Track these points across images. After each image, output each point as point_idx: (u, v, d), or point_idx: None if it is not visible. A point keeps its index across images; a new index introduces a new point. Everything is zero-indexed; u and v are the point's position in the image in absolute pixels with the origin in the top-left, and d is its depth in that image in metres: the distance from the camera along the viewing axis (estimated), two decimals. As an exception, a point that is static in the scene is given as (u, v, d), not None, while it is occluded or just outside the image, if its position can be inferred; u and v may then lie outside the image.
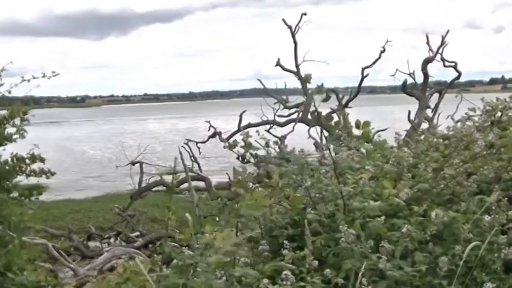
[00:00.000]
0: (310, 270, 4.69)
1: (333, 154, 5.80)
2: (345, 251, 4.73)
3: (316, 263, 4.72)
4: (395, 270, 4.58)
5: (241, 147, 6.10)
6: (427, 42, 19.90)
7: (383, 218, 4.96)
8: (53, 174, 6.99)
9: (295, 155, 5.75)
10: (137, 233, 21.35)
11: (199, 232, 4.41)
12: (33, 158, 6.76)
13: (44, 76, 7.21)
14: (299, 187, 5.64)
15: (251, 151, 6.11)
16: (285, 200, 5.58)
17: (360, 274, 4.08)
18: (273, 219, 5.45)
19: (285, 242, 5.03)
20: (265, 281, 4.43)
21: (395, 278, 4.58)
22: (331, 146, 6.27)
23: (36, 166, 6.83)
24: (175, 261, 4.50)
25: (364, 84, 21.45)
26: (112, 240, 22.40)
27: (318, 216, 5.31)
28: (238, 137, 6.28)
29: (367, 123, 6.11)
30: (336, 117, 6.23)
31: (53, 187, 33.65)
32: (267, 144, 6.21)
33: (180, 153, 4.88)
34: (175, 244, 7.50)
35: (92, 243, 21.85)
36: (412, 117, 17.76)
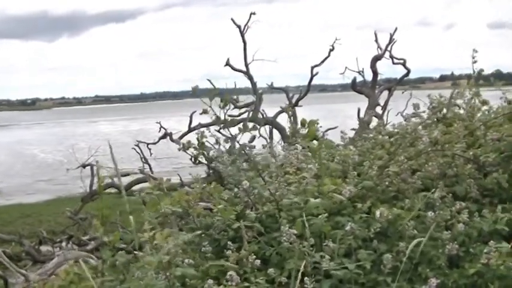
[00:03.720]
0: (253, 270, 4.69)
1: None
2: (287, 251, 4.73)
3: (258, 262, 4.72)
4: (339, 268, 4.60)
5: (194, 148, 6.06)
6: (376, 40, 20.01)
7: (325, 215, 4.96)
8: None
9: (224, 160, 5.73)
10: (89, 236, 21.15)
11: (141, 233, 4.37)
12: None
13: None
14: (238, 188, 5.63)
15: (204, 151, 6.08)
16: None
17: (299, 273, 4.07)
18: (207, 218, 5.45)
19: (228, 243, 5.02)
20: (210, 281, 4.42)
21: (339, 276, 4.59)
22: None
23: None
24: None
25: (316, 82, 21.48)
26: (64, 244, 22.14)
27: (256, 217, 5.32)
28: (189, 138, 6.25)
29: (313, 122, 6.11)
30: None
31: (3, 191, 33.24)
32: (217, 142, 6.19)
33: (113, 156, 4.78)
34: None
35: (43, 248, 21.55)
36: (362, 115, 17.83)
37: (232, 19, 19.30)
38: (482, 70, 6.79)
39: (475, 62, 6.76)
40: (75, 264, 4.91)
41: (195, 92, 5.45)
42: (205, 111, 5.60)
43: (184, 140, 6.22)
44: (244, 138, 6.06)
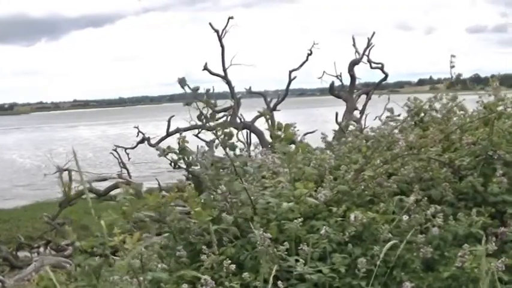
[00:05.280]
0: (228, 274, 4.68)
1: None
2: (262, 255, 4.73)
3: (233, 267, 4.71)
4: (314, 272, 4.60)
5: (175, 152, 6.04)
6: (354, 44, 20.08)
7: (300, 220, 4.96)
8: None
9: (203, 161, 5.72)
10: (67, 241, 21.05)
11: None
12: None
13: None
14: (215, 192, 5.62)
15: (184, 156, 6.05)
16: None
17: (271, 277, 4.06)
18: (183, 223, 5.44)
19: (203, 247, 5.01)
20: (185, 286, 4.41)
21: (313, 280, 4.59)
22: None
23: None
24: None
25: (295, 86, 21.54)
26: (42, 249, 22.04)
27: (233, 221, 5.31)
28: (167, 142, 6.21)
29: (289, 126, 6.11)
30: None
31: (-19, 198, 32.99)
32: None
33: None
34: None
35: (21, 253, 21.46)
36: (340, 119, 17.87)
37: (210, 24, 19.28)
38: (460, 75, 6.80)
39: (452, 66, 6.78)
40: (51, 270, 4.88)
41: (183, 84, 5.42)
42: (188, 104, 5.59)
43: (162, 145, 6.18)
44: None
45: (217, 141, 5.82)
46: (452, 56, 6.62)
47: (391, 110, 6.66)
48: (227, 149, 5.63)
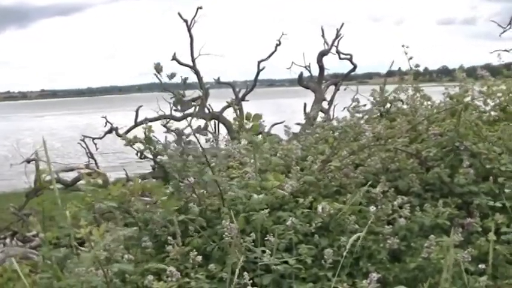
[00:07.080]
0: (194, 266, 4.65)
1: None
2: (229, 246, 4.70)
3: (200, 258, 4.68)
4: (280, 263, 4.59)
5: (141, 142, 6.00)
6: (323, 35, 20.03)
7: (267, 210, 4.94)
8: None
9: (171, 151, 5.68)
10: (34, 232, 20.85)
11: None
12: None
13: None
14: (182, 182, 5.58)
15: (150, 146, 6.01)
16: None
17: (237, 269, 4.04)
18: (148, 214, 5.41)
19: (169, 238, 4.98)
20: (150, 277, 4.37)
21: (279, 271, 4.58)
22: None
23: None
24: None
25: (265, 77, 21.47)
26: (8, 240, 21.82)
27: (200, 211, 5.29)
28: (135, 133, 6.17)
29: (257, 116, 6.08)
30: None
31: None
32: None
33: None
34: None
35: (-13, 244, 21.25)
36: (309, 109, 17.84)
37: (179, 13, 19.14)
38: (418, 65, 6.84)
39: (410, 58, 6.84)
40: (17, 261, 4.84)
41: (159, 70, 5.40)
42: (178, 101, 5.57)
43: (130, 135, 6.14)
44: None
45: (187, 131, 5.80)
46: (406, 47, 6.71)
47: (356, 101, 6.65)
48: (199, 140, 5.60)
